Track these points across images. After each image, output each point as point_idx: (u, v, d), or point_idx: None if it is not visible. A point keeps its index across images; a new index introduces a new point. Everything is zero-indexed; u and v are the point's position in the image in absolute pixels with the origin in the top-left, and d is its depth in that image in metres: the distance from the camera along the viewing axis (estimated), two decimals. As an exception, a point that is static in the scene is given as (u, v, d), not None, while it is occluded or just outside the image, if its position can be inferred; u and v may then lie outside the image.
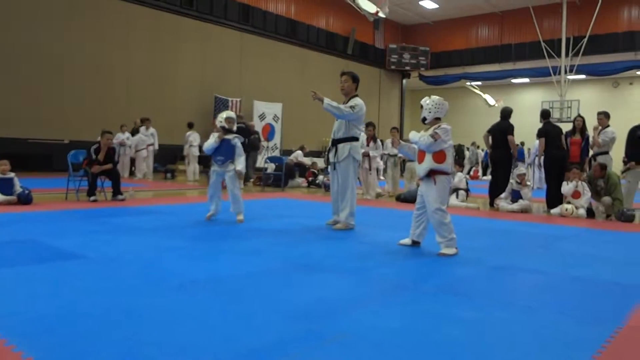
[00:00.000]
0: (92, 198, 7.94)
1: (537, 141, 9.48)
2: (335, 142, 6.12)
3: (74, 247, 4.38)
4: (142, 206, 7.74)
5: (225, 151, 6.33)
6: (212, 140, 6.32)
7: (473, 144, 24.29)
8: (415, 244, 4.92)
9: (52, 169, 14.23)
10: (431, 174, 4.60)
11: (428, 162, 4.61)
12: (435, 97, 4.75)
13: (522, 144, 20.20)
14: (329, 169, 6.40)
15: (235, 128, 6.53)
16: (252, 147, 13.12)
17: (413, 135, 4.78)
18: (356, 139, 6.11)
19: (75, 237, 4.91)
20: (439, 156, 4.58)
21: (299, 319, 2.69)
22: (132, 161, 14.64)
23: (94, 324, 2.51)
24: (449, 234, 4.56)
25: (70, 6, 15.29)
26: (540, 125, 9.31)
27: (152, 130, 14.55)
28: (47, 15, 14.76)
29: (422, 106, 4.75)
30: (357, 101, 6.00)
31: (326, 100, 5.82)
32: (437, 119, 4.71)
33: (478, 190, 12.01)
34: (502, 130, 9.31)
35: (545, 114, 9.48)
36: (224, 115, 6.44)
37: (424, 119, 4.74)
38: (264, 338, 2.39)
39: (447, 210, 4.65)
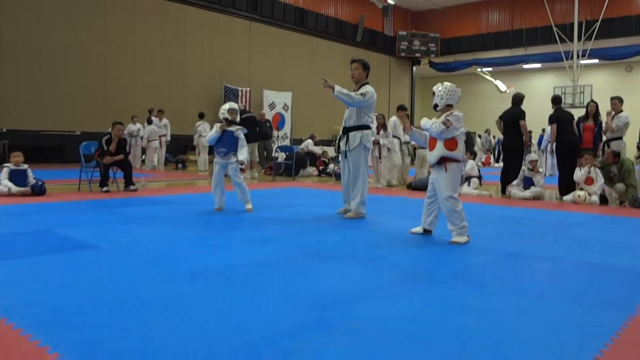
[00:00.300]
0: (104, 189, 8.00)
1: (549, 127, 9.38)
2: (347, 130, 6.11)
3: (87, 237, 4.43)
4: (154, 196, 7.79)
5: (227, 143, 6.33)
6: (214, 131, 6.35)
7: (487, 131, 24.09)
8: (426, 232, 4.91)
9: (63, 160, 14.35)
10: (442, 161, 4.57)
11: (439, 150, 4.57)
12: (447, 84, 4.70)
13: (543, 130, 19.97)
14: (340, 158, 6.38)
15: (238, 119, 6.53)
16: (263, 136, 13.12)
17: (425, 122, 4.74)
18: (367, 127, 6.09)
19: (89, 228, 4.96)
20: (451, 144, 4.54)
21: (311, 307, 2.70)
22: (144, 151, 14.72)
23: (109, 312, 2.54)
24: (461, 222, 4.53)
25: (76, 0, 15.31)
26: (551, 111, 9.22)
27: (165, 121, 14.62)
28: (51, 5, 14.79)
29: (434, 93, 4.69)
30: (368, 88, 5.96)
31: (337, 88, 5.79)
32: (449, 106, 4.66)
33: (490, 177, 11.95)
34: (513, 117, 9.24)
35: (556, 100, 9.37)
36: (226, 106, 6.44)
37: (436, 106, 4.69)
38: (276, 326, 2.40)
39: (458, 198, 4.63)
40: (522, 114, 9.15)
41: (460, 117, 4.58)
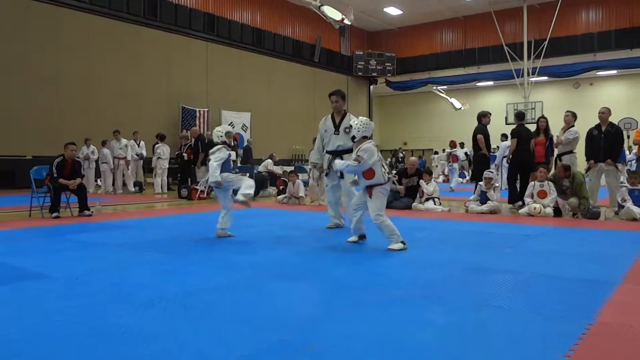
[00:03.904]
0: (54, 215, 7.70)
1: (505, 142, 9.71)
2: (341, 153, 6.47)
3: (38, 267, 4.25)
4: (109, 221, 7.57)
5: (228, 168, 5.99)
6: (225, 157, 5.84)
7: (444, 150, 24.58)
8: (361, 238, 5.44)
9: (14, 186, 13.84)
10: (367, 188, 5.09)
11: (362, 182, 5.13)
12: (362, 118, 5.28)
13: (497, 147, 20.47)
14: (329, 177, 6.71)
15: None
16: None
17: (339, 164, 5.33)
18: None
19: (40, 256, 4.77)
20: (368, 174, 5.05)
21: (271, 330, 2.64)
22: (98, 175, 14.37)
23: (60, 346, 2.42)
24: (392, 233, 5.00)
25: (27, 18, 14.94)
26: (509, 126, 9.65)
27: (124, 142, 14.23)
28: (1, 26, 14.37)
29: (351, 126, 5.29)
30: (366, 146, 5.72)
31: (343, 169, 5.63)
32: (365, 137, 5.15)
33: (445, 193, 12.14)
34: (474, 133, 9.61)
35: (520, 116, 9.87)
36: (223, 130, 5.98)
37: (354, 138, 5.22)
38: (236, 352, 2.33)
39: (384, 214, 5.06)
40: (478, 129, 9.49)
41: (370, 148, 5.03)
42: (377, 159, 5.08)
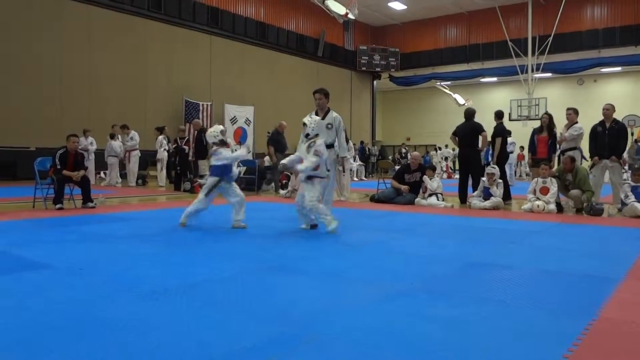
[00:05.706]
0: (58, 206, 7.71)
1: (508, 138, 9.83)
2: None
3: (42, 257, 4.26)
4: (113, 213, 7.58)
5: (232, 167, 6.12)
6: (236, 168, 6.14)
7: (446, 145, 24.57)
8: (313, 227, 5.96)
9: (17, 177, 13.87)
10: (310, 178, 5.72)
11: (307, 171, 5.70)
12: (315, 117, 5.95)
13: (522, 148, 20.38)
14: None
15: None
16: (282, 148, 12.98)
17: (302, 167, 5.74)
18: (331, 145, 6.56)
19: (43, 247, 4.78)
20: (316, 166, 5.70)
21: (275, 322, 2.65)
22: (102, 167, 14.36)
23: (63, 335, 2.43)
24: (326, 215, 5.62)
25: (29, 9, 14.92)
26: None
27: (132, 134, 14.13)
28: (3, 17, 14.36)
29: (305, 124, 5.84)
30: (320, 142, 6.07)
31: (303, 168, 5.84)
32: (317, 135, 5.82)
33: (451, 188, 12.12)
34: (470, 131, 9.49)
35: (500, 115, 10.09)
36: (217, 129, 6.11)
37: (307, 135, 5.82)
38: (240, 343, 2.34)
39: (319, 199, 5.70)
40: (482, 127, 9.47)
41: (323, 143, 5.79)
42: (327, 156, 5.85)
